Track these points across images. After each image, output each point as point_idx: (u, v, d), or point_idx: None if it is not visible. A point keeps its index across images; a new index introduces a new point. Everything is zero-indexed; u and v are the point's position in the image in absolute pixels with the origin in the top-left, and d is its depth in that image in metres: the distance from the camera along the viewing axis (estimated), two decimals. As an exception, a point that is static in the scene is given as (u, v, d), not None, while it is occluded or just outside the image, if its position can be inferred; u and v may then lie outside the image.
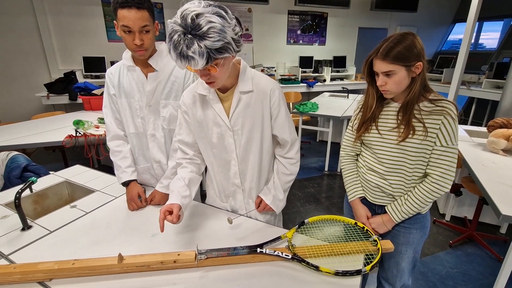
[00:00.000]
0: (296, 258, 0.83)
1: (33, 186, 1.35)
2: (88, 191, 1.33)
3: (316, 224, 1.01)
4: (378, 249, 0.87)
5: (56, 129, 2.46)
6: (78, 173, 1.52)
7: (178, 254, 0.82)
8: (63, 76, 4.03)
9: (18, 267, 0.78)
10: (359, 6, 5.82)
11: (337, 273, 0.79)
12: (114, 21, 1.05)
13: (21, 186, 1.04)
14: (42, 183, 1.39)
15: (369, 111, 1.01)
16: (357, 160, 1.18)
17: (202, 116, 1.01)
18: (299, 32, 5.56)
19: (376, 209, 1.11)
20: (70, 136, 2.12)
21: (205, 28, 0.70)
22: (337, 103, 3.82)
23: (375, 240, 0.90)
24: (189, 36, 0.70)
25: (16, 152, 1.54)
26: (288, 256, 0.84)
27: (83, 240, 0.97)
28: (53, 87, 3.88)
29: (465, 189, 2.03)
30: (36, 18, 4.00)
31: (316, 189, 3.00)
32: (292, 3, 5.25)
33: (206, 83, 0.87)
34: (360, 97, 1.12)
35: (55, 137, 2.20)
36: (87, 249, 0.93)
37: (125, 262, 0.79)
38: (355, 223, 1.00)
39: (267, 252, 0.84)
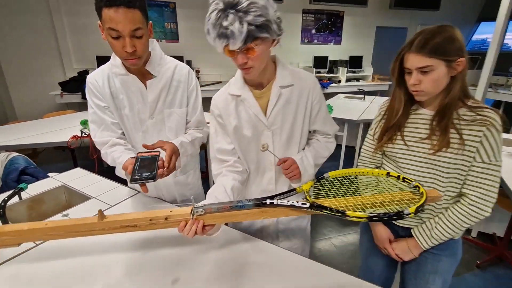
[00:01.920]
0: (316, 206, 0.66)
1: (30, 190, 1.30)
2: (84, 198, 1.26)
3: (338, 180, 0.81)
4: (422, 193, 0.68)
5: (64, 128, 2.43)
6: (77, 177, 1.45)
7: (171, 211, 0.70)
8: (77, 75, 4.07)
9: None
10: (377, 4, 5.58)
11: (371, 218, 0.60)
12: (99, 22, 0.87)
13: (9, 192, 0.97)
14: (39, 187, 1.33)
15: (394, 118, 0.88)
16: None
17: (237, 119, 0.92)
18: (313, 31, 5.40)
19: (400, 231, 0.97)
20: (75, 136, 2.08)
21: (246, 3, 0.68)
22: (353, 105, 3.64)
23: (416, 187, 0.72)
24: (230, 11, 0.68)
25: (16, 154, 1.50)
26: (306, 204, 0.67)
27: (69, 257, 0.88)
28: (67, 86, 3.92)
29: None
30: (52, 17, 4.06)
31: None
32: (307, 2, 5.09)
33: (243, 70, 0.81)
34: (382, 102, 0.98)
35: (62, 137, 2.17)
36: (73, 268, 0.84)
37: (107, 221, 0.68)
38: (388, 173, 0.79)
39: (279, 203, 0.68)
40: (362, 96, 4.05)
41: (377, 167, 1.03)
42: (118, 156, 0.98)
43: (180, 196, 1.25)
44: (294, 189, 0.75)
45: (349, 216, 0.62)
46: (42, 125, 2.55)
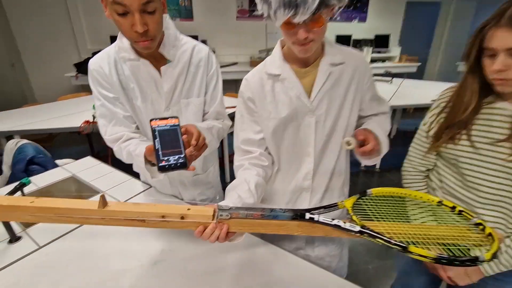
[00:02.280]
0: (368, 232, 0.52)
1: (38, 181, 1.23)
2: (93, 192, 1.17)
3: (383, 199, 0.66)
4: (490, 235, 0.53)
5: (78, 112, 2.36)
6: (88, 167, 1.37)
7: (189, 209, 0.57)
8: (91, 55, 4.00)
9: None
10: (410, -25, 5.06)
11: (439, 260, 0.47)
12: None
13: (11, 187, 0.88)
14: (47, 178, 1.26)
15: (461, 113, 0.69)
16: (427, 177, 0.87)
17: (273, 103, 0.78)
18: (337, 7, 5.00)
19: (455, 250, 0.81)
20: (87, 122, 2.00)
21: None
22: (379, 89, 3.35)
23: (478, 224, 0.56)
24: None
25: (25, 141, 1.43)
26: (355, 228, 0.53)
27: (73, 263, 0.80)
28: (82, 67, 3.86)
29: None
30: (65, -2, 3.94)
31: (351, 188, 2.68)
32: (331, -26, 4.67)
33: (301, 46, 0.66)
34: (442, 91, 0.79)
35: (75, 121, 2.10)
36: (75, 278, 0.75)
37: (109, 209, 0.55)
38: (439, 201, 0.64)
39: (320, 220, 0.55)
40: (390, 78, 3.74)
41: (428, 170, 0.86)
42: (134, 148, 0.83)
43: (199, 196, 1.13)
44: (335, 204, 0.61)
45: (411, 252, 0.47)
46: (56, 108, 2.50)
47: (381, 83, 3.70)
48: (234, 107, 0.91)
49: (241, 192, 0.70)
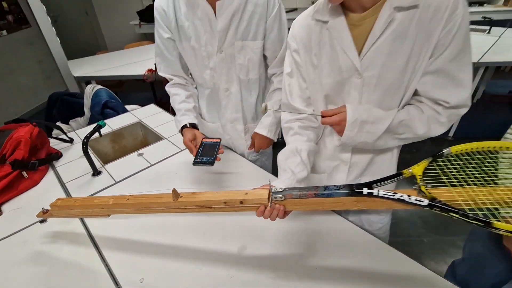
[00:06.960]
0: (438, 206, 0.44)
1: (112, 124, 1.37)
2: (157, 138, 1.27)
3: (466, 159, 0.53)
4: None
5: (142, 60, 2.49)
6: (151, 114, 1.46)
7: (246, 193, 0.62)
8: (152, 2, 4.04)
9: (78, 200, 0.76)
10: None
11: None
12: None
13: (89, 129, 0.99)
14: (119, 122, 1.39)
15: None
16: None
17: (317, 56, 0.67)
18: None
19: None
20: (150, 70, 2.09)
21: None
22: (471, 41, 2.75)
23: None
24: None
25: (100, 86, 1.58)
26: (422, 201, 0.45)
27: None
28: (144, 15, 3.96)
29: None
30: None
31: (415, 157, 2.43)
32: None
33: None
34: None
35: (139, 70, 2.22)
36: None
37: (182, 200, 0.64)
38: None
39: (380, 194, 0.49)
40: (487, 28, 3.02)
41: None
42: (178, 108, 0.96)
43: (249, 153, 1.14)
44: (400, 173, 0.52)
45: (497, 228, 0.38)
46: (123, 56, 2.67)
47: (475, 33, 3.02)
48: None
49: (293, 166, 0.68)
